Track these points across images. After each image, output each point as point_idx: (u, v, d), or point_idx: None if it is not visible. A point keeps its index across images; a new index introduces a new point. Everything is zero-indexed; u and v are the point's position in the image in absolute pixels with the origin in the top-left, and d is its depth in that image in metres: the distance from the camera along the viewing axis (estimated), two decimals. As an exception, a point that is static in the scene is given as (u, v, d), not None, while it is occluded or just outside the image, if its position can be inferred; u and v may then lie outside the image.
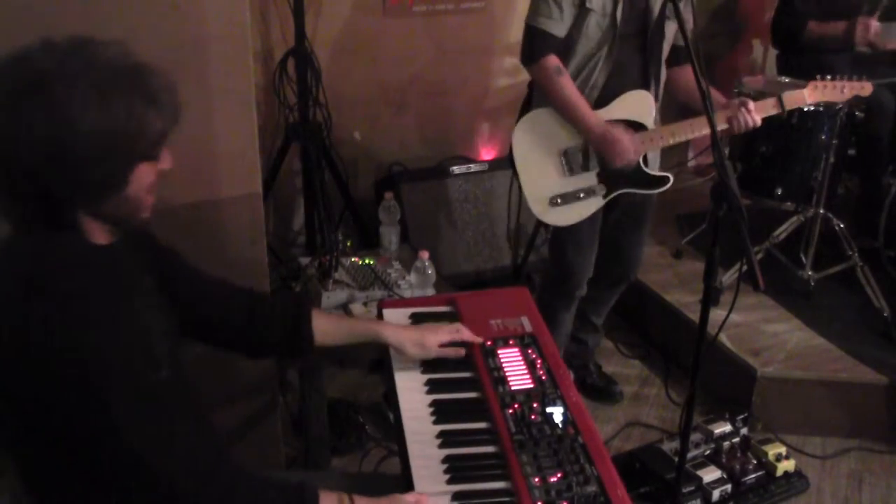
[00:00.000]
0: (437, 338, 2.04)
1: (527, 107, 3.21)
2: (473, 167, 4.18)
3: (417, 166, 4.23)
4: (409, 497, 1.70)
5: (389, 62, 4.20)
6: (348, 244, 3.22)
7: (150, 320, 1.63)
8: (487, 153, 4.50)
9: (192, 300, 1.89)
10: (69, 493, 1.56)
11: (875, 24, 4.14)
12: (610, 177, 3.09)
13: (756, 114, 3.00)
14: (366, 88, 4.17)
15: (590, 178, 3.08)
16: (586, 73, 3.01)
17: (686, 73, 3.06)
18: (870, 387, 3.42)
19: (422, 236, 3.99)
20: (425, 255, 2.96)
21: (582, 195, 3.08)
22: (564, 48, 2.99)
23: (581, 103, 2.98)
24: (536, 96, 3.14)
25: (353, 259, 3.09)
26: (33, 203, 1.46)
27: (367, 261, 3.08)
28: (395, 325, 2.12)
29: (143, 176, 1.53)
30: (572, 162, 3.07)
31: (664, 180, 3.13)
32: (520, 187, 3.13)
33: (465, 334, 2.08)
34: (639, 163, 3.07)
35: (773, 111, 3.08)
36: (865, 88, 3.24)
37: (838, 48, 4.19)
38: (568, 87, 2.97)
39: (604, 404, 3.62)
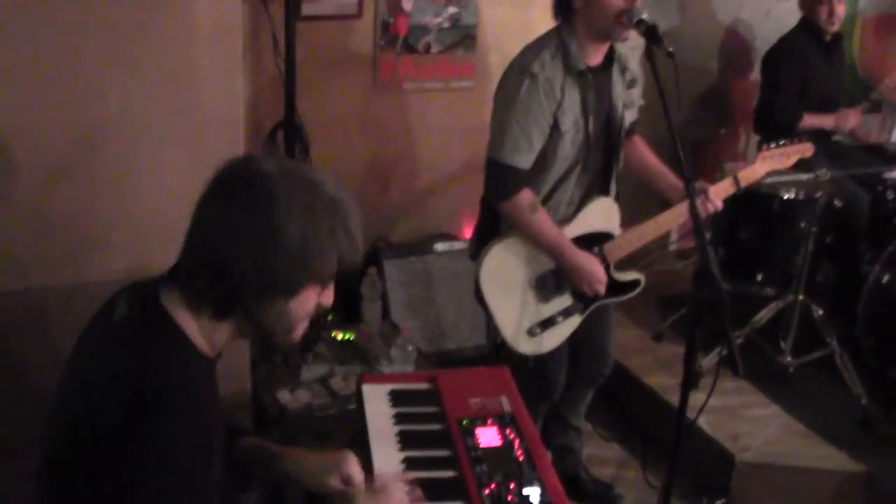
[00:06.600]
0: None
1: (485, 228, 3.03)
2: (457, 245, 4.18)
3: (401, 242, 4.24)
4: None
5: (377, 138, 4.24)
6: (329, 318, 3.22)
7: (218, 445, 1.63)
8: (471, 232, 4.52)
9: None
10: None
11: (856, 116, 4.27)
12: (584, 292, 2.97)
13: (715, 198, 2.90)
14: (353, 163, 4.20)
15: (565, 300, 2.97)
16: (561, 192, 2.89)
17: (635, 146, 3.06)
18: (848, 475, 3.40)
19: (403, 312, 3.98)
20: (406, 331, 2.96)
21: (560, 318, 2.97)
22: (537, 173, 2.85)
23: (561, 239, 2.85)
24: (505, 224, 2.94)
25: (333, 333, 3.08)
26: (211, 284, 1.54)
27: (347, 335, 3.08)
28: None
29: (310, 298, 1.62)
30: (546, 288, 2.94)
31: (636, 284, 3.05)
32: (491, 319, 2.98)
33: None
34: (609, 272, 2.97)
35: (731, 190, 2.99)
36: (807, 150, 3.14)
37: (819, 137, 4.28)
38: (545, 223, 2.83)
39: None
